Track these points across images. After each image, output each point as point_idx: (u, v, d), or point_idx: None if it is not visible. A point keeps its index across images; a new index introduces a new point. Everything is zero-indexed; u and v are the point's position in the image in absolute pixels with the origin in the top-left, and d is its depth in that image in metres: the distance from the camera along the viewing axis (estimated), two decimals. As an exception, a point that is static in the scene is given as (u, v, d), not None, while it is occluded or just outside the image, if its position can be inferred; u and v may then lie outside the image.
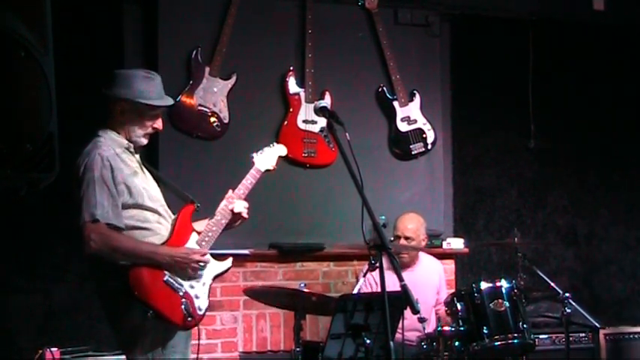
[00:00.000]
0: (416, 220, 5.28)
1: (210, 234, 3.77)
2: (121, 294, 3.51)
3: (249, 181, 3.90)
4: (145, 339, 3.54)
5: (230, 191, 3.87)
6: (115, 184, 3.55)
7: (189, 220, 3.77)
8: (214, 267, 3.76)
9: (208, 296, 3.69)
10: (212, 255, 3.78)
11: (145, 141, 3.78)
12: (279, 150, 4.06)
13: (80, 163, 3.57)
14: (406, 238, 5.19)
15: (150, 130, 3.76)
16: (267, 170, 3.98)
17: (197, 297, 3.64)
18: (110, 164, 3.55)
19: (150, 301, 3.49)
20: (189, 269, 3.63)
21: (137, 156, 3.77)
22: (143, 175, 3.73)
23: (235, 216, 3.84)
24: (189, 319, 3.55)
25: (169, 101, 3.84)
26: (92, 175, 3.51)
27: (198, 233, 3.77)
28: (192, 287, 3.64)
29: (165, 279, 3.58)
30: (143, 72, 3.81)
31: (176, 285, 3.60)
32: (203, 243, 3.74)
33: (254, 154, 3.98)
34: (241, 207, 3.84)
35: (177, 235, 3.70)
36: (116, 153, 3.63)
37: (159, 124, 3.78)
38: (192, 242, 3.73)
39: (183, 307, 3.55)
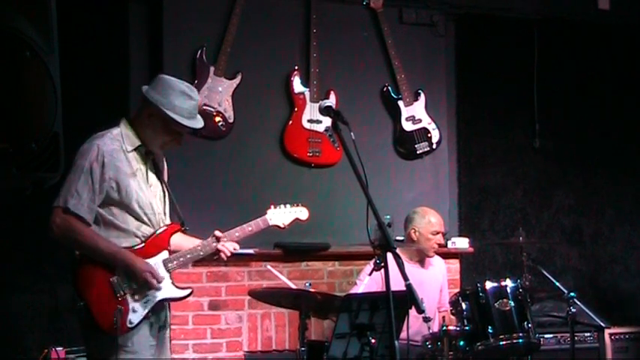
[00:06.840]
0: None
1: (181, 259, 3.72)
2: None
3: (250, 228, 3.85)
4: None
5: (218, 232, 3.80)
6: (102, 180, 3.52)
7: (168, 237, 3.70)
8: (168, 291, 3.66)
9: (145, 316, 3.57)
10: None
11: (159, 150, 3.76)
12: (300, 213, 4.00)
13: (81, 146, 3.58)
14: (443, 234, 5.27)
15: (168, 144, 3.74)
16: (277, 226, 3.93)
17: (134, 310, 3.54)
18: (104, 160, 3.53)
19: (85, 293, 3.48)
20: (142, 282, 3.57)
21: (151, 156, 3.72)
22: (143, 179, 3.66)
23: (216, 253, 3.79)
24: (115, 326, 3.44)
25: (198, 124, 3.74)
26: (82, 163, 3.51)
27: (170, 252, 3.70)
28: (134, 300, 3.56)
29: (111, 279, 3.53)
30: (185, 87, 3.70)
31: (119, 290, 3.53)
32: (169, 264, 3.69)
33: (271, 208, 3.92)
34: (229, 248, 3.79)
35: (149, 246, 3.65)
36: (122, 149, 3.60)
37: (179, 141, 3.74)
38: (159, 258, 3.66)
39: (116, 312, 3.45)
